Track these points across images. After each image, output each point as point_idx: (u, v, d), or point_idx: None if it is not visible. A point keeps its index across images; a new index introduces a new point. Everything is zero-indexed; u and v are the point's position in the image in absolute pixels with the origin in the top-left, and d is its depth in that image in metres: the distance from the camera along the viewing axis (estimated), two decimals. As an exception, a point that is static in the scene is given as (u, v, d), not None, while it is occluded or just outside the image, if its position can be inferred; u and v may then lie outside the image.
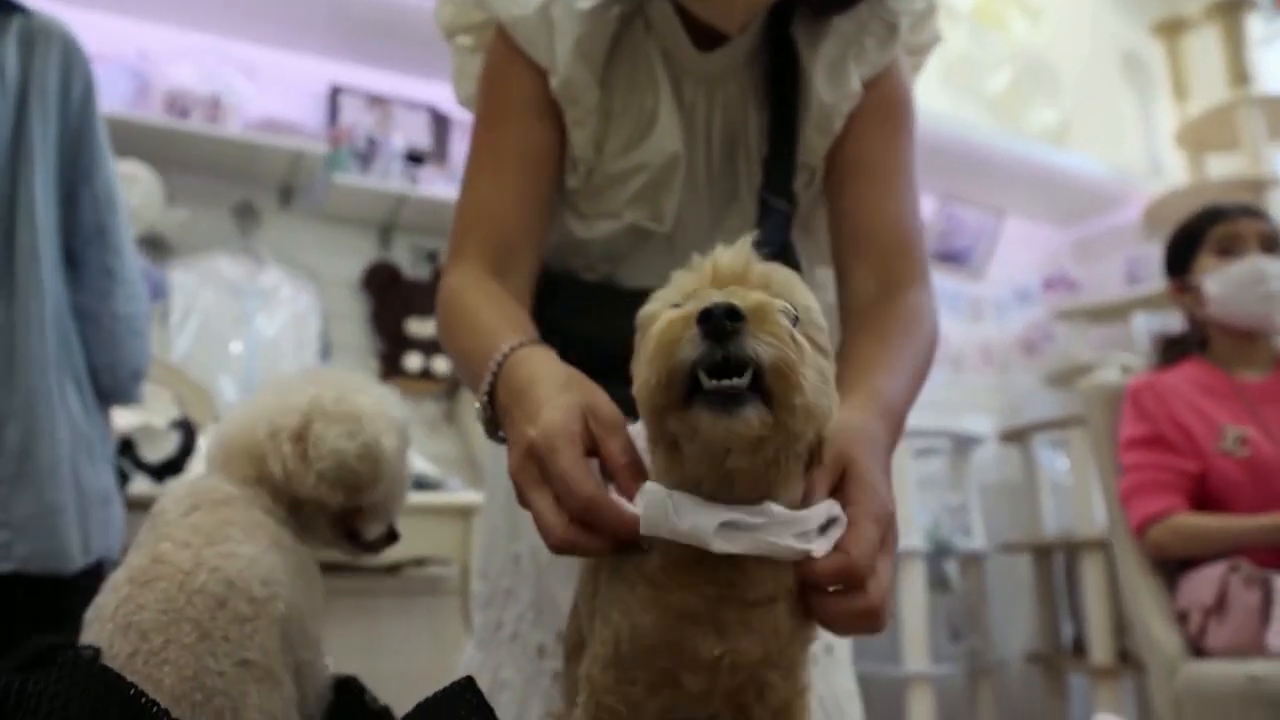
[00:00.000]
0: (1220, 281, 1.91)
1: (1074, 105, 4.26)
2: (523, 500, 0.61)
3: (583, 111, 0.94)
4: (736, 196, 0.99)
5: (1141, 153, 4.47)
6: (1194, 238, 1.99)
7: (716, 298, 0.48)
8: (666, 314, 0.50)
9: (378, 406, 0.83)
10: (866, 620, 0.56)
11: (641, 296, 0.59)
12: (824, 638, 1.06)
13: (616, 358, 0.61)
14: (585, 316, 0.95)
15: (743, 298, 0.48)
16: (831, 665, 1.05)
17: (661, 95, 0.95)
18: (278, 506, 0.79)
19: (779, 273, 0.54)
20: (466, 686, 0.53)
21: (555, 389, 0.64)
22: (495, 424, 0.72)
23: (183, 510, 0.74)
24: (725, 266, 0.53)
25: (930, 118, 3.61)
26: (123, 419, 1.97)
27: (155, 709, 0.46)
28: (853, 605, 0.55)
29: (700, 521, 0.51)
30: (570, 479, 0.57)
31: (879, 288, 0.90)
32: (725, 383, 0.47)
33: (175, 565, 0.67)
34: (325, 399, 0.79)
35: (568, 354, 0.73)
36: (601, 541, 0.56)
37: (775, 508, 0.52)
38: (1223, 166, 3.99)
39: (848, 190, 0.96)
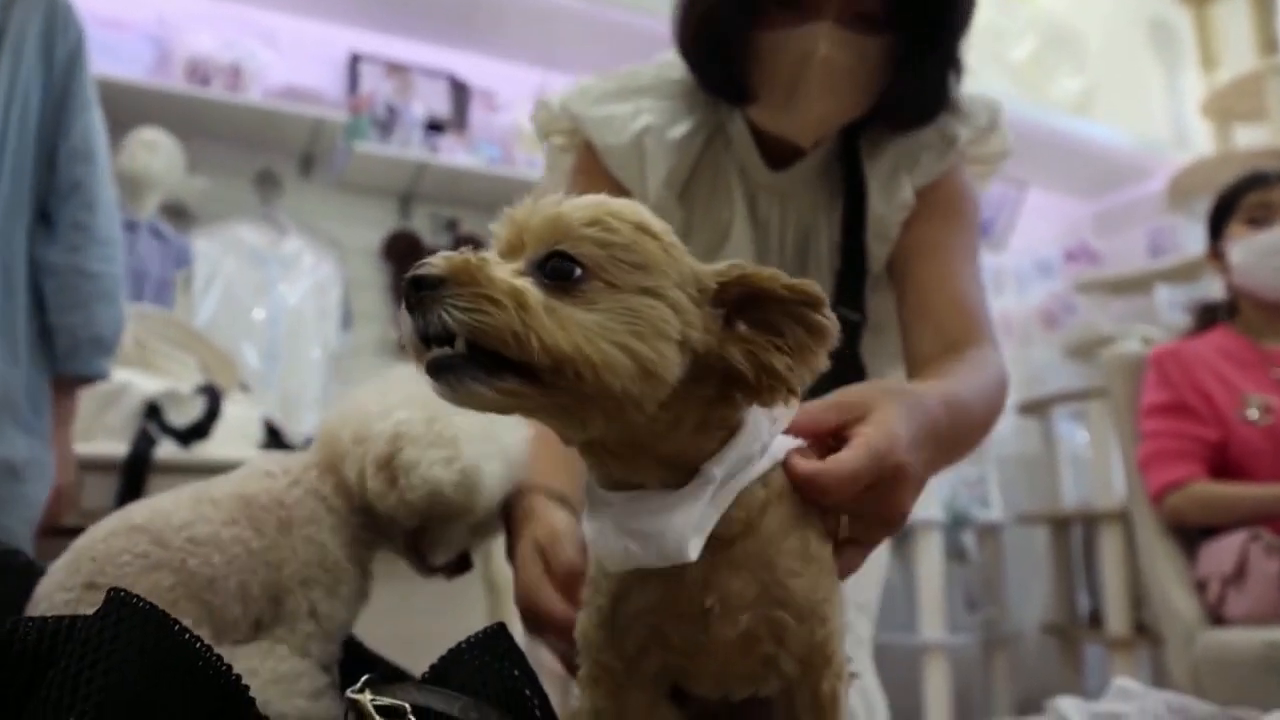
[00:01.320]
0: (1243, 251, 1.89)
1: (1099, 74, 4.20)
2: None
3: None
4: None
5: (1167, 123, 4.40)
6: (1229, 204, 1.97)
7: (418, 267, 0.45)
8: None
9: (483, 427, 0.76)
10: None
11: None
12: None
13: None
14: None
15: (444, 261, 0.45)
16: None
17: (736, 210, 1.01)
18: (344, 501, 0.77)
19: (575, 213, 0.48)
20: (499, 632, 0.54)
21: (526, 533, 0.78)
22: None
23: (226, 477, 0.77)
24: (522, 219, 0.49)
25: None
26: (149, 384, 1.99)
27: (200, 644, 0.47)
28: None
29: (663, 548, 0.49)
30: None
31: (945, 348, 0.91)
32: (429, 354, 0.45)
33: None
34: (415, 420, 0.73)
35: None
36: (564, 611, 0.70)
37: (716, 470, 0.50)
38: (1250, 137, 3.93)
39: (911, 272, 1.00)
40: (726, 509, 0.51)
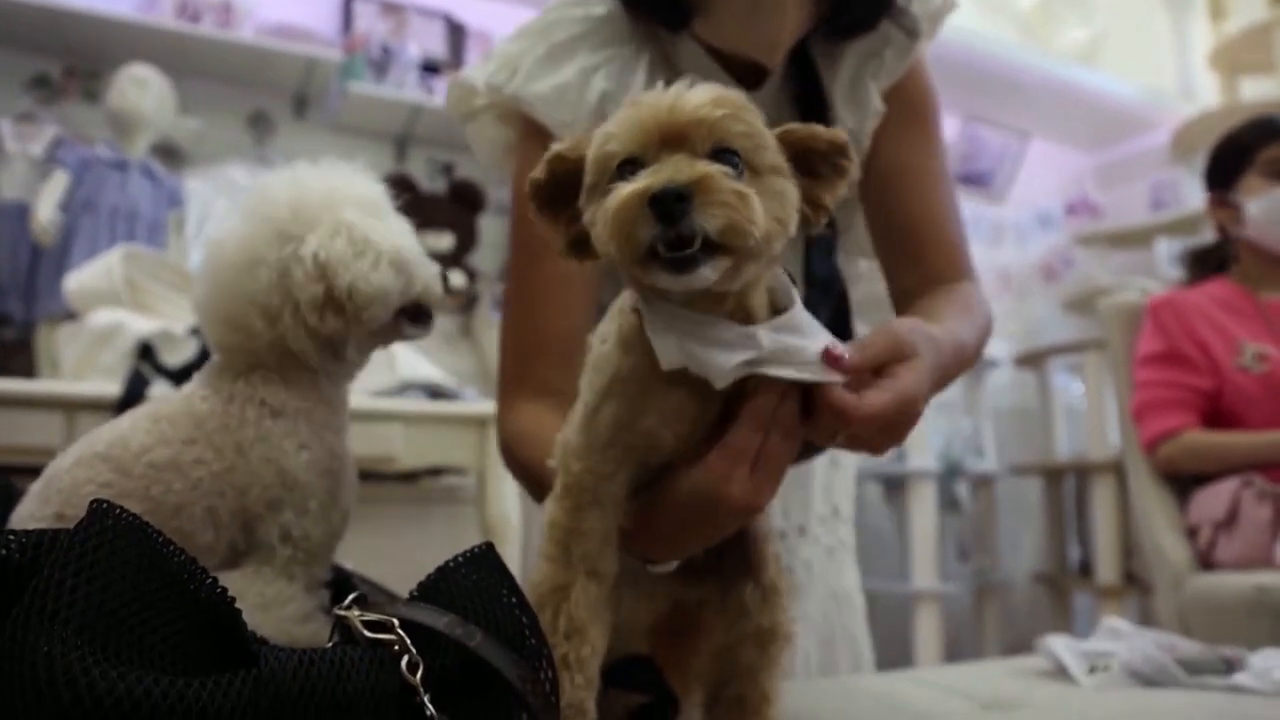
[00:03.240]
0: (1265, 207, 1.85)
1: (1107, 23, 4.13)
2: None
3: None
4: None
5: (1174, 74, 4.35)
6: (1243, 154, 1.92)
7: (663, 179, 0.52)
8: (621, 192, 0.54)
9: (369, 207, 0.75)
10: (834, 434, 0.62)
11: None
12: (824, 542, 1.16)
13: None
14: None
15: (687, 173, 0.52)
16: (833, 565, 1.16)
17: None
18: (288, 394, 0.74)
19: (718, 110, 0.55)
20: (487, 550, 0.53)
21: None
22: None
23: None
24: (666, 120, 0.55)
25: (957, 35, 3.51)
26: (142, 325, 1.98)
27: (184, 557, 0.47)
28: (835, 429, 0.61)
29: (706, 367, 0.58)
30: None
31: (930, 282, 0.93)
32: (678, 254, 0.53)
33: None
34: (330, 247, 0.71)
35: None
36: None
37: (764, 337, 0.58)
38: (1257, 89, 3.88)
39: (887, 198, 0.97)
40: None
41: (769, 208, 0.55)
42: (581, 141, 0.60)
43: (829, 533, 1.18)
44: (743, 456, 0.61)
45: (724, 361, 0.57)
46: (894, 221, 0.98)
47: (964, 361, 0.80)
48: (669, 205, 0.52)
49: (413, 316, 0.78)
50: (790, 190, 0.58)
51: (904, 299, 0.96)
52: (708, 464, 0.61)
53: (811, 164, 0.60)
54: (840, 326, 0.95)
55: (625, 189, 0.53)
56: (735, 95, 0.57)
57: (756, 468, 0.61)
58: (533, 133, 0.92)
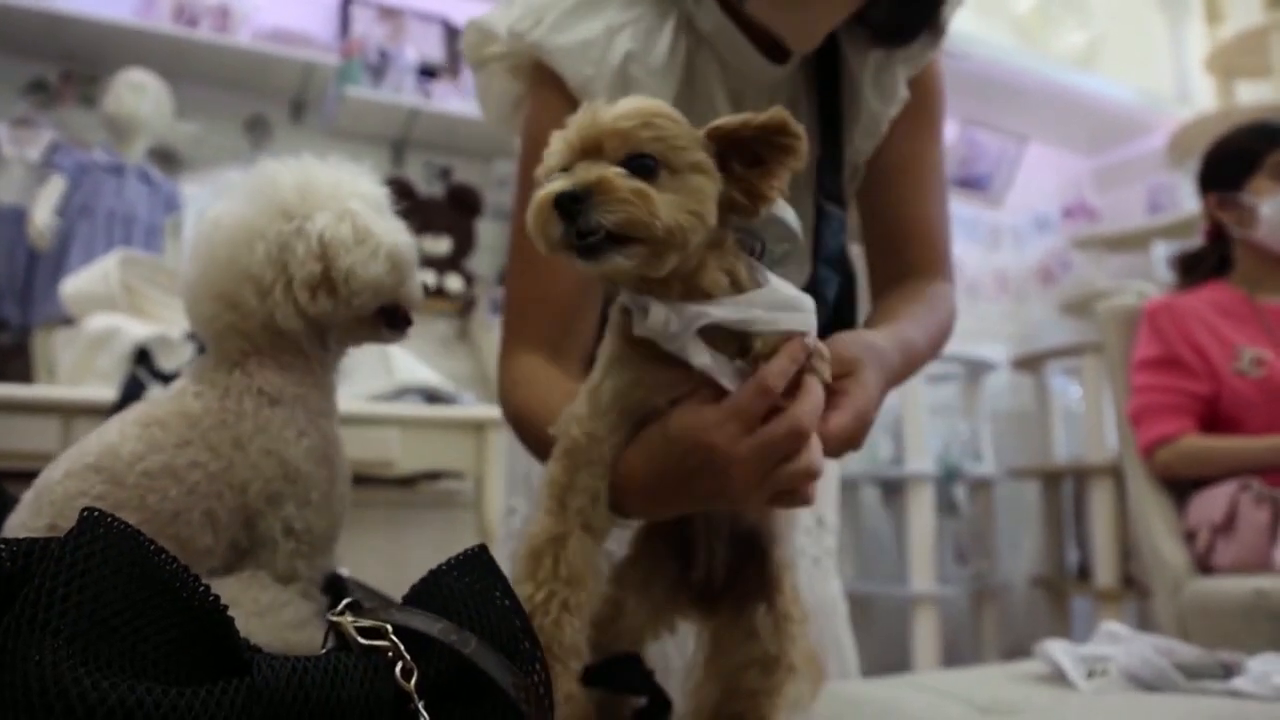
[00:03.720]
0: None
1: (1103, 27, 4.14)
2: None
3: None
4: (795, 192, 1.03)
5: (1171, 78, 4.35)
6: (1250, 157, 1.90)
7: (564, 184, 0.60)
8: (535, 197, 0.62)
9: (372, 203, 0.76)
10: (788, 468, 0.64)
11: None
12: (809, 553, 1.17)
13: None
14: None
15: (583, 177, 0.60)
16: (819, 574, 1.17)
17: (721, 114, 0.97)
18: (282, 377, 0.74)
19: (628, 121, 0.61)
20: (480, 552, 0.53)
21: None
22: None
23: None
24: (586, 134, 0.62)
25: (954, 39, 3.52)
26: (138, 329, 1.98)
27: (176, 564, 0.46)
28: (796, 463, 0.64)
29: (683, 336, 0.63)
30: None
31: (907, 276, 0.96)
32: (582, 242, 0.60)
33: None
34: (335, 229, 0.72)
35: None
36: None
37: (711, 310, 0.63)
38: (1253, 93, 3.88)
39: (883, 191, 1.00)
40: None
41: (681, 202, 0.61)
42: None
43: (815, 543, 1.18)
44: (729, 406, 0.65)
45: (678, 335, 0.63)
46: (888, 213, 1.00)
47: (915, 361, 0.85)
48: (566, 205, 0.59)
49: (390, 320, 0.79)
50: (707, 185, 0.62)
51: (879, 288, 0.99)
52: (691, 407, 0.66)
53: (756, 152, 0.64)
54: (846, 304, 0.98)
55: (538, 194, 0.61)
56: (650, 105, 0.63)
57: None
58: (546, 81, 0.93)
